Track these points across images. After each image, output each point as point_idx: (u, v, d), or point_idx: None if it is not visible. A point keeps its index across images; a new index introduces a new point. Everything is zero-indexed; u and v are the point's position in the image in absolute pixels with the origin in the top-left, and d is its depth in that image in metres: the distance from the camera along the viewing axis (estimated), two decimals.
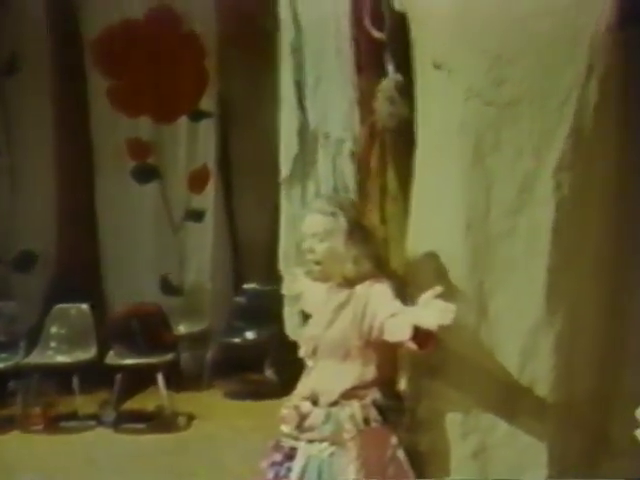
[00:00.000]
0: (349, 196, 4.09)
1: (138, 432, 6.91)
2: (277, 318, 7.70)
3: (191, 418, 7.02)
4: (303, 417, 3.65)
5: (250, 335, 7.69)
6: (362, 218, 3.75)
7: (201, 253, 8.11)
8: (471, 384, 3.61)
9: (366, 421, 3.57)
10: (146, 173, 8.03)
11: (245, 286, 7.91)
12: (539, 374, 3.55)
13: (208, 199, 8.10)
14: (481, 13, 3.52)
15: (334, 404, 3.60)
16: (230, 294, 8.02)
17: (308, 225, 3.71)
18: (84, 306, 7.37)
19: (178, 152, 8.05)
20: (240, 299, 7.86)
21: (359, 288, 3.63)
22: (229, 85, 8.06)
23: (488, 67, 3.49)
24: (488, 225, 3.57)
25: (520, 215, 3.53)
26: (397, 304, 3.50)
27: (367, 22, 4.27)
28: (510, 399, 3.58)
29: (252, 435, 6.47)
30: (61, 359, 7.16)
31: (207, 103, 8.02)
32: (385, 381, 3.64)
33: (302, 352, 3.79)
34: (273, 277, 7.82)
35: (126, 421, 7.02)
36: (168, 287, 8.07)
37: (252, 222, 8.15)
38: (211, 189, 8.09)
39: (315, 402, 3.65)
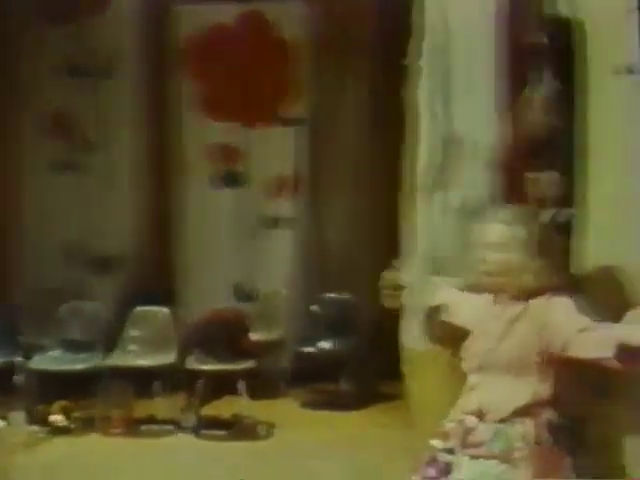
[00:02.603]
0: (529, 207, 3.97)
1: (219, 439, 6.85)
2: (354, 328, 7.81)
3: (271, 426, 6.96)
4: (467, 432, 3.56)
5: (325, 345, 7.64)
6: (542, 229, 3.66)
7: (279, 260, 8.07)
8: None
9: (538, 441, 3.47)
10: (232, 179, 8.04)
11: (322, 295, 7.85)
12: None
13: (290, 206, 8.09)
14: None
15: (502, 420, 3.51)
16: (306, 303, 7.96)
17: (487, 235, 3.62)
18: (165, 310, 7.29)
19: (265, 158, 8.04)
20: (316, 308, 7.80)
21: (536, 301, 3.54)
22: (318, 92, 8.02)
23: None
24: None
25: None
26: (584, 319, 3.40)
27: (532, 26, 4.21)
28: None
29: (335, 446, 6.49)
30: (142, 362, 7.07)
31: (297, 110, 8.02)
32: (559, 400, 3.54)
33: (465, 366, 3.71)
34: (349, 287, 7.96)
35: (206, 427, 6.94)
36: (242, 294, 8.03)
37: (331, 230, 8.15)
38: (294, 197, 8.08)
39: (480, 417, 3.56)
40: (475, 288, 3.77)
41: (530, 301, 3.56)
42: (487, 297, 3.73)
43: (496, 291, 3.66)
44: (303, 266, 8.16)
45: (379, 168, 8.26)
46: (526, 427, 3.48)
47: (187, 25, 7.88)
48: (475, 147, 4.52)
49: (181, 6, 7.85)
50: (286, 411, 7.39)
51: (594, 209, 3.80)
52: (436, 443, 3.65)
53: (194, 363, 7.03)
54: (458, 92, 4.53)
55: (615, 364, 3.26)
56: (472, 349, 3.69)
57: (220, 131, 8.00)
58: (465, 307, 3.99)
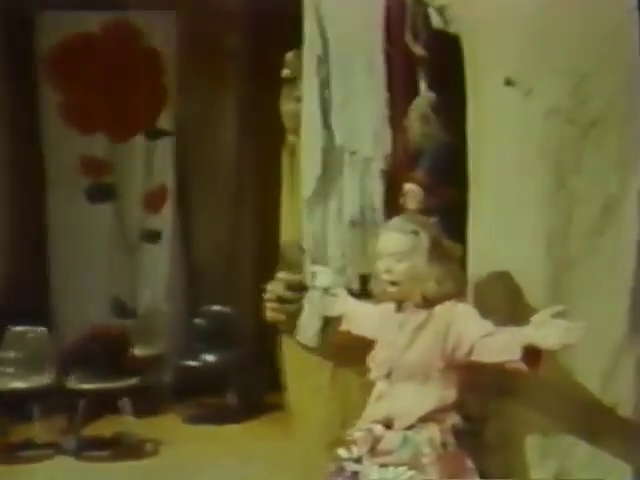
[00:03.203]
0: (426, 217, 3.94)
1: (102, 459, 6.66)
2: (238, 341, 7.74)
3: (157, 444, 6.81)
4: (376, 441, 3.55)
5: (210, 358, 7.55)
6: (441, 236, 3.67)
7: (157, 274, 7.92)
8: (549, 405, 3.57)
9: (444, 445, 3.50)
10: (101, 192, 7.83)
11: (205, 308, 7.76)
12: (621, 395, 3.54)
13: (164, 219, 7.94)
14: (561, 29, 3.52)
15: (409, 427, 3.53)
16: (187, 316, 7.85)
17: (386, 244, 3.61)
18: (41, 329, 7.05)
19: (134, 171, 7.89)
20: (200, 321, 7.70)
21: (439, 308, 3.56)
22: (188, 104, 7.92)
23: (574, 86, 3.49)
24: (569, 246, 3.57)
25: (602, 235, 3.54)
26: (488, 324, 3.45)
27: (408, 38, 4.23)
28: (591, 420, 3.56)
29: (222, 460, 6.42)
30: (17, 385, 6.80)
31: (165, 121, 7.89)
32: (460, 403, 3.57)
33: (373, 375, 3.70)
34: (231, 298, 7.89)
35: (88, 448, 6.74)
36: (120, 309, 7.85)
37: (208, 243, 8.06)
38: (168, 209, 7.94)
39: (388, 425, 3.57)
40: (380, 297, 3.77)
41: (435, 308, 3.58)
42: (388, 306, 3.74)
43: (401, 299, 3.66)
44: (182, 280, 8.05)
45: (252, 180, 8.28)
46: (432, 432, 3.51)
47: (51, 33, 7.63)
48: (359, 157, 4.53)
49: (45, 13, 7.60)
50: (170, 427, 7.25)
51: (485, 217, 3.83)
52: (342, 452, 3.64)
53: (75, 383, 6.83)
54: (339, 102, 4.52)
55: (521, 366, 3.31)
56: (378, 358, 3.68)
57: (88, 144, 7.79)
58: (364, 316, 4.01)
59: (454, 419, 3.53)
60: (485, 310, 3.54)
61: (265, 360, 8.13)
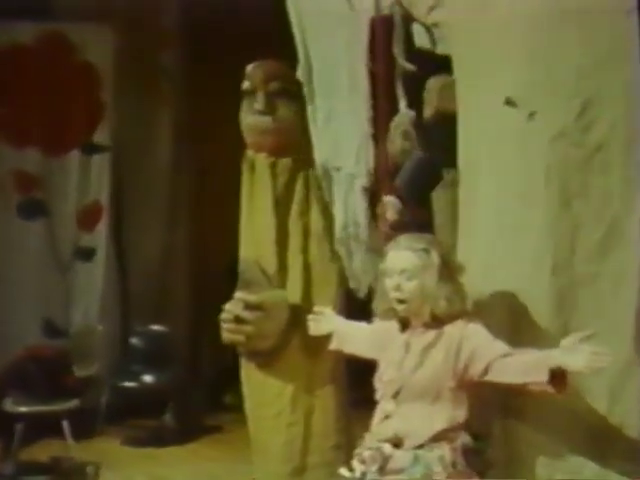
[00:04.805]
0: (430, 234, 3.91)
1: None
2: (177, 360, 7.58)
3: (97, 468, 6.60)
4: (386, 460, 3.51)
5: (147, 379, 7.39)
6: (449, 254, 3.67)
7: (90, 293, 7.72)
8: (555, 426, 3.59)
9: (453, 464, 3.48)
10: (32, 208, 7.58)
11: (141, 327, 7.60)
12: (628, 415, 3.57)
13: (99, 237, 7.76)
14: (562, 50, 3.55)
15: (420, 446, 3.50)
16: (123, 336, 7.67)
17: (395, 262, 3.58)
18: None
19: (68, 187, 7.68)
20: (136, 341, 7.54)
21: (450, 327, 3.54)
22: (124, 119, 7.77)
23: (580, 110, 3.53)
24: (573, 268, 3.60)
25: (606, 258, 3.58)
26: (503, 344, 3.45)
27: (398, 53, 4.22)
28: (598, 441, 3.57)
29: None
30: None
31: (101, 137, 7.72)
32: (468, 422, 3.55)
33: (379, 395, 3.66)
34: (166, 318, 7.75)
35: (25, 473, 6.49)
36: (52, 330, 7.61)
37: (143, 261, 7.92)
38: (102, 226, 7.75)
39: (397, 444, 3.53)
40: (384, 316, 3.72)
41: (445, 327, 3.56)
42: (390, 325, 3.70)
43: (408, 318, 3.63)
44: (117, 299, 7.87)
45: (188, 197, 8.18)
46: (443, 451, 3.49)
47: None
48: (341, 174, 4.51)
49: None
50: (108, 450, 7.06)
51: (481, 237, 3.83)
52: (344, 472, 3.61)
53: (11, 406, 6.59)
54: (322, 119, 4.49)
55: (548, 388, 3.32)
56: (385, 378, 3.64)
57: (21, 158, 7.56)
58: (357, 336, 3.98)
59: (464, 438, 3.52)
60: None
61: (205, 380, 8.08)
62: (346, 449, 4.99)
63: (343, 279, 4.90)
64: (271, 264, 5.08)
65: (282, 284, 5.08)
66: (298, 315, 4.89)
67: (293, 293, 5.06)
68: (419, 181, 4.28)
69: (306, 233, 5.14)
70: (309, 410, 5.10)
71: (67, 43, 7.52)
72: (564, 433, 3.59)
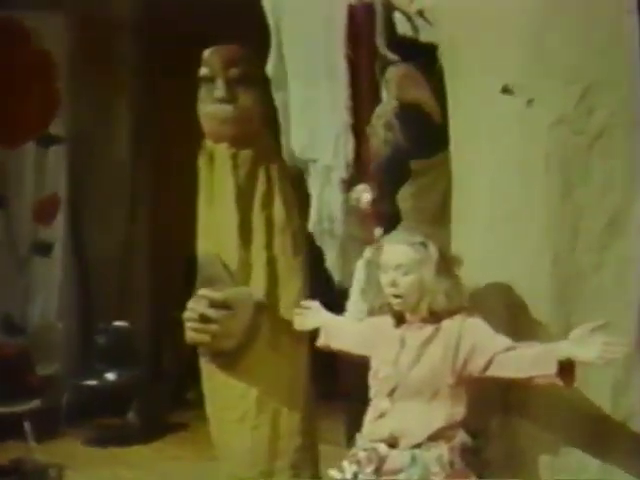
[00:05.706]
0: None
1: None
2: (141, 358, 7.41)
3: (61, 469, 6.42)
4: (382, 460, 3.39)
5: (111, 377, 7.21)
6: (446, 248, 3.52)
7: (49, 289, 7.52)
8: (557, 421, 3.48)
9: (451, 464, 3.37)
10: None
11: (103, 324, 7.39)
12: (633, 409, 3.47)
13: (57, 231, 7.56)
14: (560, 34, 3.42)
15: (416, 446, 3.38)
16: (83, 332, 7.48)
17: (390, 257, 3.44)
18: None
19: (24, 180, 7.46)
20: (99, 338, 7.33)
21: (448, 322, 3.42)
22: (81, 110, 7.57)
23: (580, 96, 3.42)
24: (575, 258, 3.49)
25: (609, 248, 3.48)
26: (505, 338, 3.34)
27: (380, 42, 4.05)
28: (602, 435, 3.47)
29: None
30: None
31: (58, 128, 7.51)
32: (466, 419, 3.44)
33: (373, 393, 3.53)
34: (127, 314, 7.56)
35: None
36: (9, 327, 7.39)
37: (103, 255, 7.73)
38: (60, 220, 7.55)
39: (392, 444, 3.41)
40: (379, 311, 3.61)
41: (442, 322, 3.44)
42: (384, 320, 3.58)
43: (404, 313, 3.50)
44: (76, 295, 7.67)
45: (148, 191, 7.99)
46: (441, 451, 3.38)
47: None
48: (317, 166, 4.35)
49: None
50: (70, 451, 6.87)
51: (477, 227, 3.70)
52: (334, 473, 3.50)
53: None
54: (298, 108, 4.33)
55: (556, 381, 3.23)
56: (380, 375, 3.51)
57: None
58: (346, 331, 3.86)
59: (462, 437, 3.42)
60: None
61: (169, 378, 7.90)
62: (311, 450, 4.93)
63: (308, 272, 4.74)
64: (233, 259, 4.87)
65: (245, 280, 4.89)
66: (263, 312, 4.72)
67: (257, 289, 4.87)
68: (397, 171, 4.17)
69: (269, 226, 4.95)
70: (275, 411, 4.90)
71: (22, 30, 7.28)
72: (567, 428, 3.49)
